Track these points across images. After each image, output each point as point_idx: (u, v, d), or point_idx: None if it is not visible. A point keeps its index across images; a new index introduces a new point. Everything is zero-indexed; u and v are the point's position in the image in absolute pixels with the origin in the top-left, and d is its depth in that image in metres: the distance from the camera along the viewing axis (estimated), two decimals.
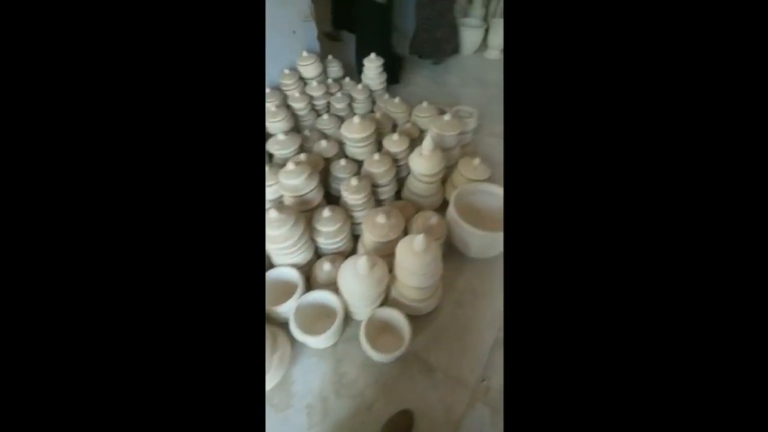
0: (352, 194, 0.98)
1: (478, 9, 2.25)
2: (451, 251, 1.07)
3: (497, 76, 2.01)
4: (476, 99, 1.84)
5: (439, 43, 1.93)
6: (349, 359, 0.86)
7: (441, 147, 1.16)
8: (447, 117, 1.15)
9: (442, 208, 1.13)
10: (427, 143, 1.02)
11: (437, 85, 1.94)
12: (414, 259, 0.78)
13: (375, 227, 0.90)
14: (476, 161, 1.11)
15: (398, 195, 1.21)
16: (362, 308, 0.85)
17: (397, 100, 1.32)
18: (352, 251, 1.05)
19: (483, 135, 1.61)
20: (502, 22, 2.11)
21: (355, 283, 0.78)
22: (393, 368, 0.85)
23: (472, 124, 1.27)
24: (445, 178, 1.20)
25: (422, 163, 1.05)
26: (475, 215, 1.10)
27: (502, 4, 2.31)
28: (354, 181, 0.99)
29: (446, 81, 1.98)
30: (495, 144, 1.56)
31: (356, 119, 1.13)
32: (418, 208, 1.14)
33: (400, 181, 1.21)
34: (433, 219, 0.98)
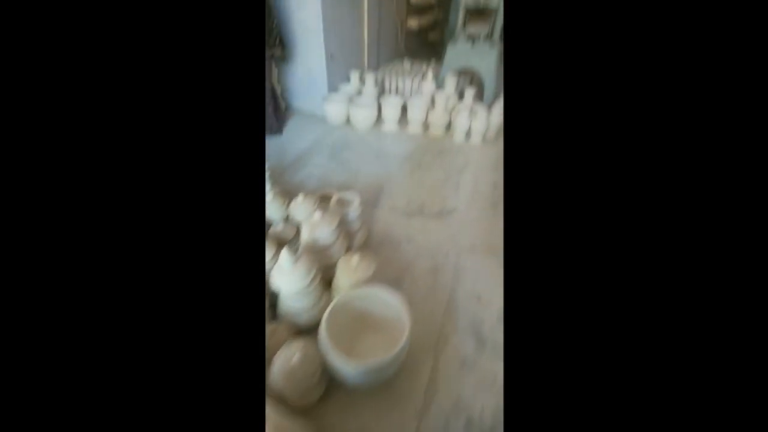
0: None
1: (370, 89, 2.32)
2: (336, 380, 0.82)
3: (394, 148, 2.00)
4: (376, 173, 1.76)
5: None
6: None
7: (314, 250, 0.97)
8: (317, 215, 0.98)
9: None
10: (284, 257, 0.82)
11: (337, 163, 1.85)
12: None
13: None
14: (355, 260, 0.93)
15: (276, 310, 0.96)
16: None
17: (270, 197, 1.14)
18: None
19: (381, 210, 1.48)
20: (394, 100, 2.18)
21: None
22: None
23: (353, 212, 1.13)
24: (330, 279, 1.00)
25: (284, 279, 0.84)
26: (360, 326, 0.89)
27: (396, 83, 2.42)
28: None
29: (346, 158, 1.90)
30: (395, 220, 1.43)
31: None
32: (296, 330, 0.90)
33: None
34: (296, 357, 0.74)
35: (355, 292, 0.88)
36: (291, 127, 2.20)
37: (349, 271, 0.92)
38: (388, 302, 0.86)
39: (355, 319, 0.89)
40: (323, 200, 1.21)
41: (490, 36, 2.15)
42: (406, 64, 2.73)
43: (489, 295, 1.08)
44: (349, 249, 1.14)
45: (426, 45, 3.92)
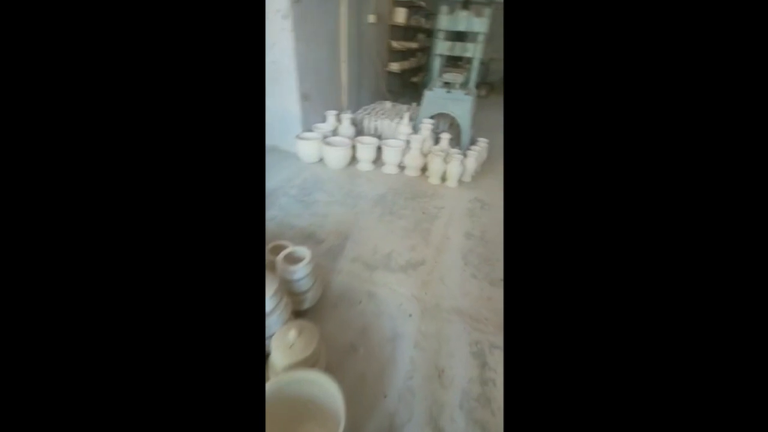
0: None
1: (346, 128, 2.30)
2: None
3: (367, 189, 1.92)
4: (345, 216, 1.66)
5: None
6: None
7: None
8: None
9: None
10: None
11: (304, 205, 1.75)
12: None
13: None
14: (291, 335, 0.79)
15: None
16: None
17: None
18: None
19: (345, 261, 1.36)
20: (369, 140, 2.16)
21: None
22: None
23: (300, 272, 1.00)
24: (267, 354, 0.86)
25: None
26: (297, 415, 0.73)
27: (375, 124, 2.41)
28: None
29: (315, 199, 1.81)
30: (358, 272, 1.31)
31: None
32: None
33: None
34: None
35: (289, 377, 0.73)
36: None
37: (284, 349, 0.78)
38: (327, 390, 0.72)
39: (290, 408, 0.73)
40: (274, 252, 1.09)
41: (465, 84, 2.19)
42: (387, 105, 2.76)
43: (452, 369, 0.95)
44: (296, 313, 1.00)
45: (409, 86, 4.04)
